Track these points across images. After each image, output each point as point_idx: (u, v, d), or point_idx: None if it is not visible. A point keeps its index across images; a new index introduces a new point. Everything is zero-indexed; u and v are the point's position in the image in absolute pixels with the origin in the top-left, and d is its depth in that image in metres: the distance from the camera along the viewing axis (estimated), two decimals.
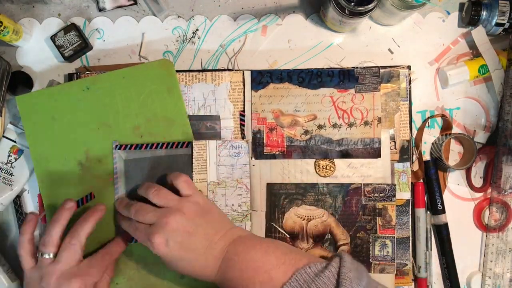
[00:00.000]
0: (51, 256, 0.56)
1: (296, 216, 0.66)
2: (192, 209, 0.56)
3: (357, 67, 0.67)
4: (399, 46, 0.69)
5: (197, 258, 0.55)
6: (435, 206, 0.67)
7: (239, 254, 0.54)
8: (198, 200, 0.58)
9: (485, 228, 0.69)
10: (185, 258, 0.55)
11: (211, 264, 0.55)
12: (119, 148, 0.64)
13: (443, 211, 0.67)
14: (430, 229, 0.68)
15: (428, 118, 0.69)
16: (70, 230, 0.58)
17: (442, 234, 0.68)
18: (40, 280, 0.55)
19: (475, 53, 0.69)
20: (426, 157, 0.69)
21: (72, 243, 0.56)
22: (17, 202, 0.67)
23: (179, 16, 0.69)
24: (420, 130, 0.69)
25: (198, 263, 0.55)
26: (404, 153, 0.67)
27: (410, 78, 0.67)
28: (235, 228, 0.59)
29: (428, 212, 0.68)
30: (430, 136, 0.69)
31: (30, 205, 0.68)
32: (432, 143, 0.69)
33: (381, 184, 0.66)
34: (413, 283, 0.67)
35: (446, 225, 0.68)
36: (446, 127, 0.69)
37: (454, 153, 0.69)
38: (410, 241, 0.67)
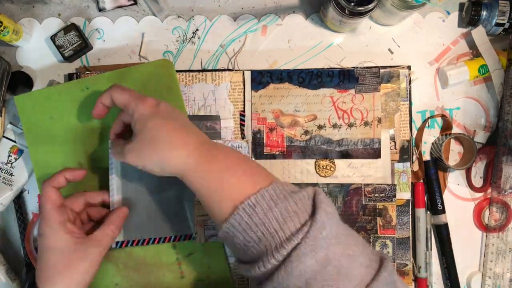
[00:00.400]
0: None
1: None
2: (168, 107, 0.53)
3: (357, 67, 0.67)
4: (399, 46, 0.69)
5: (171, 144, 0.50)
6: (435, 206, 0.67)
7: (219, 150, 0.50)
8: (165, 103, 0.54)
9: (485, 228, 0.69)
10: (162, 140, 0.50)
11: (184, 154, 0.49)
12: None
13: (443, 211, 0.67)
14: (430, 229, 0.68)
15: (428, 118, 0.69)
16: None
17: (442, 234, 0.68)
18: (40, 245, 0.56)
19: (475, 53, 0.69)
20: (426, 157, 0.69)
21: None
22: (17, 202, 0.67)
23: (179, 16, 0.69)
24: (420, 130, 0.69)
25: (172, 150, 0.49)
26: (404, 153, 0.67)
27: (410, 78, 0.67)
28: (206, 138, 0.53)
29: (428, 212, 0.68)
30: (430, 136, 0.69)
31: (30, 205, 0.68)
32: (432, 143, 0.69)
33: (381, 184, 0.66)
34: (413, 283, 0.67)
35: (446, 225, 0.68)
36: (446, 127, 0.69)
37: (454, 153, 0.70)
38: (410, 241, 0.67)
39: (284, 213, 0.45)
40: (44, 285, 0.53)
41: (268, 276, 0.45)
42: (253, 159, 0.66)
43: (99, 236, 0.57)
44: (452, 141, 0.69)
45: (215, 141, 0.54)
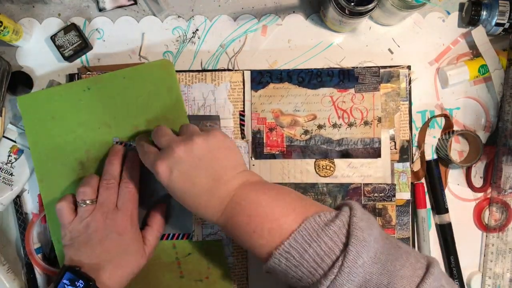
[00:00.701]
0: (93, 202, 0.57)
1: None
2: (203, 142, 0.52)
3: (357, 67, 0.67)
4: (399, 46, 0.69)
5: (200, 195, 0.52)
6: (440, 206, 0.67)
7: (247, 199, 0.50)
8: (215, 135, 0.54)
9: (485, 228, 0.69)
10: (188, 191, 0.52)
11: (215, 204, 0.51)
12: (119, 145, 0.64)
13: (447, 210, 0.67)
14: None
15: (431, 118, 0.69)
16: (103, 173, 0.59)
17: (446, 233, 0.68)
18: (86, 228, 0.56)
19: (475, 53, 0.69)
20: (427, 157, 0.69)
21: (109, 181, 0.58)
22: (17, 202, 0.67)
23: (179, 16, 0.69)
24: (423, 130, 0.69)
25: (201, 200, 0.52)
26: (404, 153, 0.67)
27: (410, 78, 0.67)
28: (246, 171, 0.55)
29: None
30: (430, 136, 0.69)
31: (30, 205, 0.68)
32: (439, 139, 0.69)
33: (381, 184, 0.66)
34: None
35: (450, 224, 0.68)
36: (447, 126, 0.69)
37: (455, 152, 0.69)
38: (410, 241, 0.67)
39: (320, 251, 0.46)
40: (98, 272, 0.55)
41: None
42: (253, 159, 0.66)
43: (150, 238, 0.61)
44: (453, 140, 0.69)
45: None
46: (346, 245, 0.45)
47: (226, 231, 0.52)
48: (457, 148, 0.70)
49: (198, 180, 0.51)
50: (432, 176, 0.68)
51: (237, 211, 0.50)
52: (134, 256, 0.57)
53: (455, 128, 0.69)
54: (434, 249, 0.69)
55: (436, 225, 0.69)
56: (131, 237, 0.57)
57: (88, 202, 0.57)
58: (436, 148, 0.69)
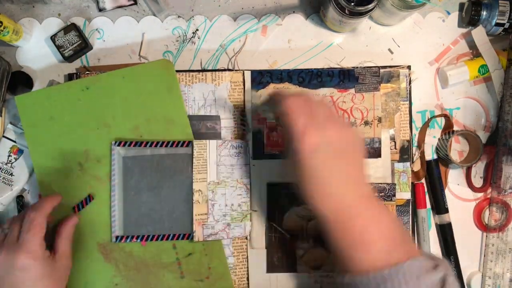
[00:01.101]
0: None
1: (296, 216, 0.66)
2: (349, 136, 0.51)
3: (357, 67, 0.67)
4: (399, 46, 0.69)
5: (328, 186, 0.49)
6: (439, 206, 0.67)
7: (368, 213, 0.49)
8: (358, 135, 0.53)
9: (485, 228, 0.69)
10: (322, 178, 0.48)
11: (339, 200, 0.49)
12: (118, 145, 0.64)
13: (447, 210, 0.68)
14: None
15: (431, 118, 0.69)
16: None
17: (446, 233, 0.68)
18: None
19: (475, 53, 0.69)
20: (427, 157, 0.69)
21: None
22: (20, 202, 0.67)
23: (179, 16, 0.69)
24: (423, 130, 0.69)
25: (325, 192, 0.49)
26: (404, 153, 0.67)
27: (410, 78, 0.67)
28: (368, 185, 0.52)
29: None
30: (430, 136, 0.69)
31: (30, 205, 0.68)
32: (439, 139, 0.69)
33: (381, 183, 0.66)
34: None
35: (449, 224, 0.68)
36: (447, 126, 0.69)
37: (455, 152, 0.69)
38: None
39: None
40: None
41: None
42: (253, 159, 0.66)
43: (64, 249, 0.59)
44: (452, 140, 0.69)
45: None
46: None
47: (323, 227, 0.50)
48: (457, 148, 0.70)
49: (335, 173, 0.49)
50: (432, 176, 0.68)
51: (357, 219, 0.48)
52: (62, 282, 0.58)
53: (455, 128, 0.69)
54: (434, 249, 0.69)
55: (436, 225, 0.69)
56: (49, 272, 0.55)
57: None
58: (436, 148, 0.69)
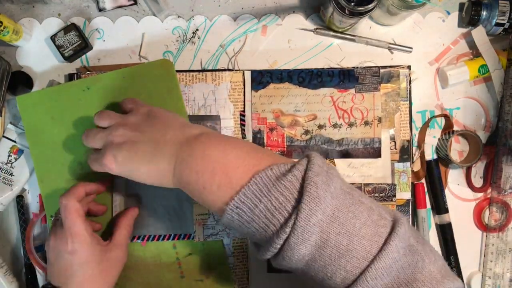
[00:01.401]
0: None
1: None
2: (135, 120, 0.53)
3: (357, 67, 0.67)
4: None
5: (148, 166, 0.50)
6: (439, 206, 0.68)
7: (193, 155, 0.47)
8: (142, 111, 0.54)
9: (485, 228, 0.69)
10: (137, 168, 0.50)
11: (164, 168, 0.49)
12: None
13: (447, 210, 0.68)
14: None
15: (431, 118, 0.69)
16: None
17: (446, 233, 0.68)
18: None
19: (475, 53, 0.69)
20: (427, 157, 0.69)
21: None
22: (20, 202, 0.67)
23: (179, 16, 0.69)
24: (423, 130, 0.69)
25: (151, 171, 0.50)
26: (404, 153, 0.67)
27: (410, 78, 0.67)
28: (190, 126, 0.52)
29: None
30: (430, 136, 0.69)
31: (31, 205, 0.68)
32: (439, 139, 0.69)
33: (381, 184, 0.66)
34: None
35: (450, 224, 0.68)
36: (447, 126, 0.69)
37: (455, 152, 0.70)
38: None
39: (270, 207, 0.43)
40: None
41: (274, 257, 0.45)
42: None
43: (120, 240, 0.59)
44: (453, 140, 0.69)
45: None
46: (299, 201, 0.42)
47: (187, 192, 0.49)
48: (457, 148, 0.70)
49: (141, 154, 0.50)
50: (432, 176, 0.68)
51: (185, 169, 0.48)
52: (111, 271, 0.57)
53: (455, 128, 0.69)
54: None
55: (436, 225, 0.69)
56: (98, 259, 0.56)
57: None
58: (436, 148, 0.69)
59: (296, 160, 0.47)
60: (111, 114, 0.55)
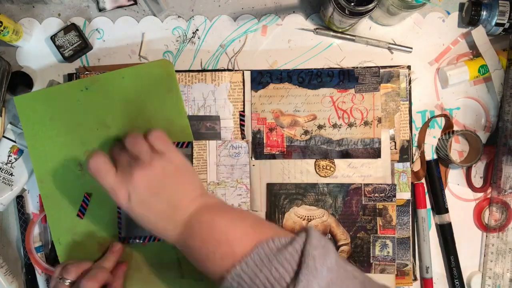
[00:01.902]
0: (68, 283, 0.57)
1: (296, 216, 0.66)
2: (162, 168, 0.53)
3: (357, 67, 0.67)
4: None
5: (157, 220, 0.52)
6: (439, 206, 0.67)
7: (202, 223, 0.51)
8: (172, 159, 0.54)
9: (485, 228, 0.69)
10: (146, 217, 0.52)
11: (172, 228, 0.52)
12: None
13: (447, 210, 0.68)
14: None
15: (431, 118, 0.69)
16: (90, 271, 0.57)
17: (446, 233, 0.68)
18: None
19: (475, 53, 0.69)
20: (427, 157, 0.69)
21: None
22: (20, 202, 0.67)
23: (179, 16, 0.69)
24: (423, 130, 0.69)
25: (158, 225, 0.53)
26: (404, 153, 0.67)
27: (410, 78, 0.67)
28: (205, 195, 0.55)
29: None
30: (430, 136, 0.69)
31: (30, 205, 0.68)
32: (439, 139, 0.69)
33: (381, 184, 0.66)
34: (413, 284, 0.67)
35: (449, 224, 0.68)
36: (448, 126, 0.69)
37: (454, 152, 0.70)
38: (411, 241, 0.67)
39: (270, 277, 0.45)
40: None
41: None
42: (253, 159, 0.66)
43: None
44: (453, 140, 0.69)
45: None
46: (297, 273, 0.45)
47: (185, 254, 0.53)
48: (457, 148, 0.70)
49: (155, 207, 0.52)
50: (432, 176, 0.68)
51: (191, 235, 0.51)
52: None
53: (455, 128, 0.69)
54: (434, 249, 0.69)
55: (436, 225, 0.69)
56: None
57: (67, 282, 0.57)
58: (436, 148, 0.69)
59: (294, 232, 0.51)
60: (143, 147, 0.54)
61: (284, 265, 0.46)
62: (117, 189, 0.52)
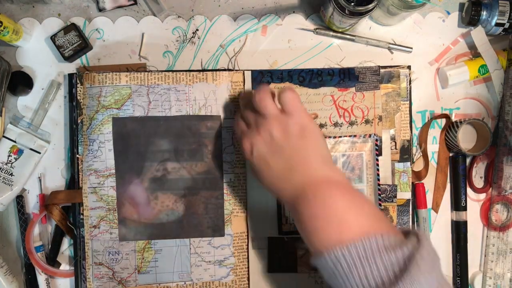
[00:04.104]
0: None
1: None
2: (284, 128, 0.52)
3: (357, 67, 0.67)
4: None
5: (274, 178, 0.53)
6: (459, 203, 0.68)
7: (317, 198, 0.49)
8: (300, 122, 0.53)
9: (494, 227, 0.69)
10: (264, 172, 0.54)
11: (288, 189, 0.52)
12: None
13: (465, 208, 0.68)
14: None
15: (432, 118, 0.69)
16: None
17: (460, 231, 0.68)
18: None
19: (475, 53, 0.69)
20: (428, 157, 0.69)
21: None
22: (20, 202, 0.67)
23: (179, 16, 0.69)
24: (424, 130, 0.69)
25: (275, 182, 0.53)
26: (405, 153, 0.67)
27: (410, 78, 0.67)
28: (329, 167, 0.53)
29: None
30: (430, 136, 0.69)
31: (30, 205, 0.68)
32: (447, 129, 0.68)
33: (382, 184, 0.66)
34: None
35: (465, 222, 0.68)
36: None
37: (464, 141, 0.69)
38: None
39: (369, 273, 0.44)
40: None
41: None
42: None
43: None
44: (461, 130, 0.69)
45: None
46: (397, 278, 0.43)
47: (291, 215, 0.53)
48: (465, 139, 0.69)
49: (274, 166, 0.53)
50: (456, 171, 0.68)
51: (305, 205, 0.50)
52: None
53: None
54: (443, 245, 0.69)
55: (452, 221, 0.69)
56: None
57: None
58: (445, 138, 0.69)
59: (405, 230, 0.50)
60: (270, 106, 0.54)
61: (387, 265, 0.44)
62: (243, 141, 0.55)
